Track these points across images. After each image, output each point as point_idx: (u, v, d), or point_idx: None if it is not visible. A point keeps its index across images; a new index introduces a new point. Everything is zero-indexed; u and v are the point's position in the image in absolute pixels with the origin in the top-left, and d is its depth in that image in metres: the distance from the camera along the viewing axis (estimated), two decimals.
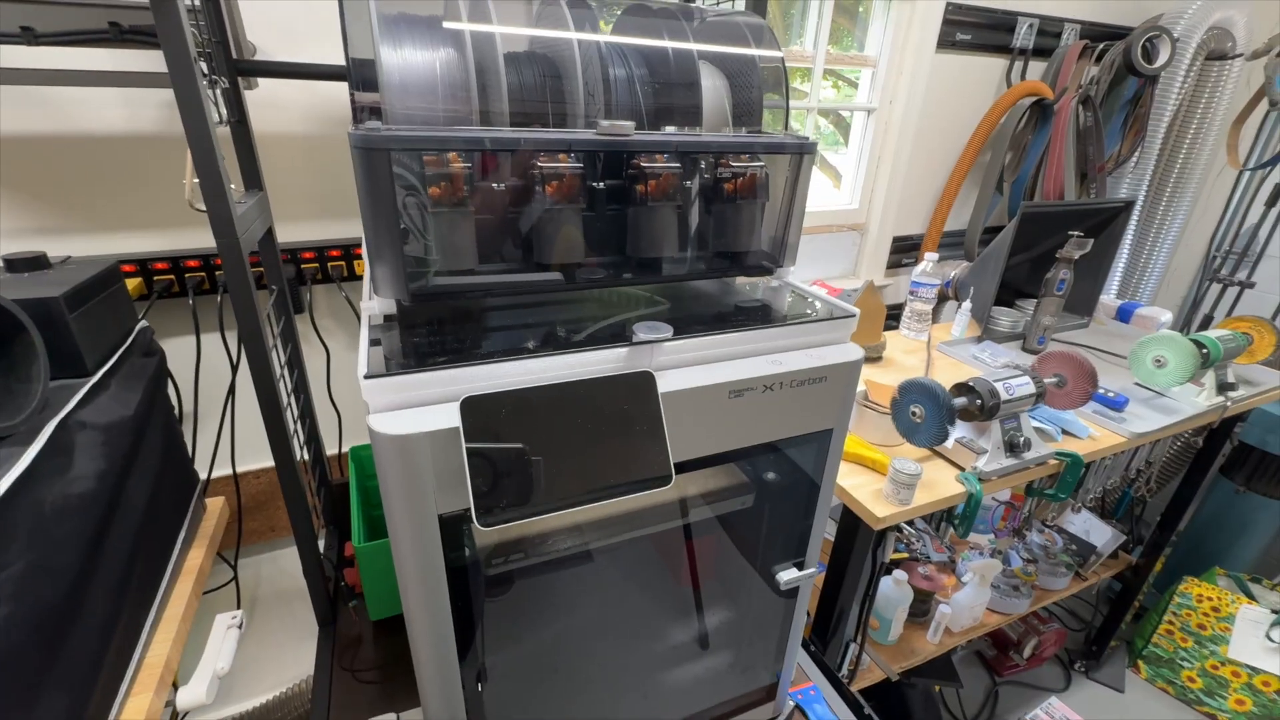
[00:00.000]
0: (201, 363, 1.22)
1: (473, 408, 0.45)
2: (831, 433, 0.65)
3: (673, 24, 0.69)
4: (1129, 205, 1.67)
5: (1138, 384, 1.43)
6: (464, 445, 0.43)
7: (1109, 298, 1.91)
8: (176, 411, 1.21)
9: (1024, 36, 1.90)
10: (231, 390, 1.24)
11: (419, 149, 0.50)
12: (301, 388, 1.13)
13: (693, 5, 0.76)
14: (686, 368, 0.57)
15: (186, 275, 1.15)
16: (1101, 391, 1.33)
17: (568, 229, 0.60)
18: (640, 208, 0.63)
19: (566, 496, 0.46)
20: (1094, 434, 1.27)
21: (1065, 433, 1.27)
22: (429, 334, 0.57)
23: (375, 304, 0.56)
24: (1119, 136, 2.00)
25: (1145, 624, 2.08)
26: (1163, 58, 1.83)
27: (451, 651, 0.57)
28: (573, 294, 0.71)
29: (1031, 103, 1.90)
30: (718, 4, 0.98)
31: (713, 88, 0.71)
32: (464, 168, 0.53)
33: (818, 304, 0.69)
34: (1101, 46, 1.94)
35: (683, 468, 0.56)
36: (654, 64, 0.68)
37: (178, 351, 1.19)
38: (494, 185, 0.57)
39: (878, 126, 1.91)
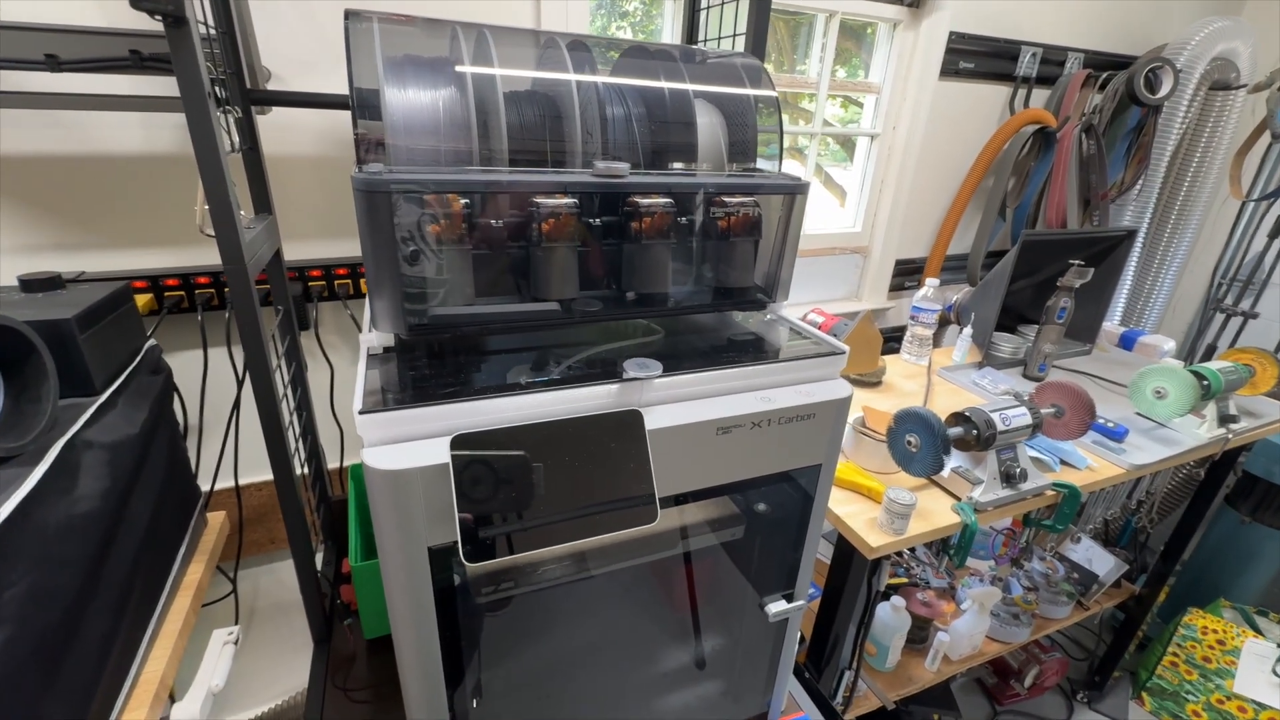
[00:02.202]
0: (208, 377, 1.24)
1: (462, 445, 0.46)
2: (820, 468, 0.66)
3: (670, 65, 0.71)
4: (1131, 234, 1.68)
5: (1139, 414, 1.43)
6: (453, 483, 0.45)
7: (1112, 325, 1.91)
8: (182, 425, 1.23)
9: (1027, 65, 1.92)
10: (236, 405, 1.26)
11: (419, 192, 0.51)
12: (304, 405, 1.14)
13: (692, 48, 0.78)
14: (675, 404, 0.58)
15: (196, 292, 1.18)
16: (1101, 421, 1.32)
17: (563, 265, 0.61)
18: (635, 244, 0.64)
19: (553, 534, 0.47)
20: (1092, 465, 1.26)
21: (1063, 463, 1.27)
22: (425, 367, 0.58)
23: (374, 337, 0.58)
24: (1122, 165, 2.01)
25: (1149, 655, 2.05)
26: (1166, 88, 1.85)
27: (439, 677, 0.58)
28: (568, 325, 0.72)
29: (1035, 130, 1.91)
30: (718, 44, 1.00)
31: (708, 125, 0.72)
32: (464, 207, 0.55)
33: (809, 339, 0.70)
34: (1105, 75, 1.96)
35: (670, 502, 0.57)
36: (651, 103, 0.70)
37: (186, 365, 1.22)
38: (492, 223, 0.59)
39: (881, 151, 1.93)
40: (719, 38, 1.01)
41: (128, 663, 0.76)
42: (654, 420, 0.54)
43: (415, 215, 0.54)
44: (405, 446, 0.48)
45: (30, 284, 0.81)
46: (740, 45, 0.93)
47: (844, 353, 0.66)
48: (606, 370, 0.59)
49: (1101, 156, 1.93)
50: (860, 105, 1.98)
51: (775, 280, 0.71)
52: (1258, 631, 1.87)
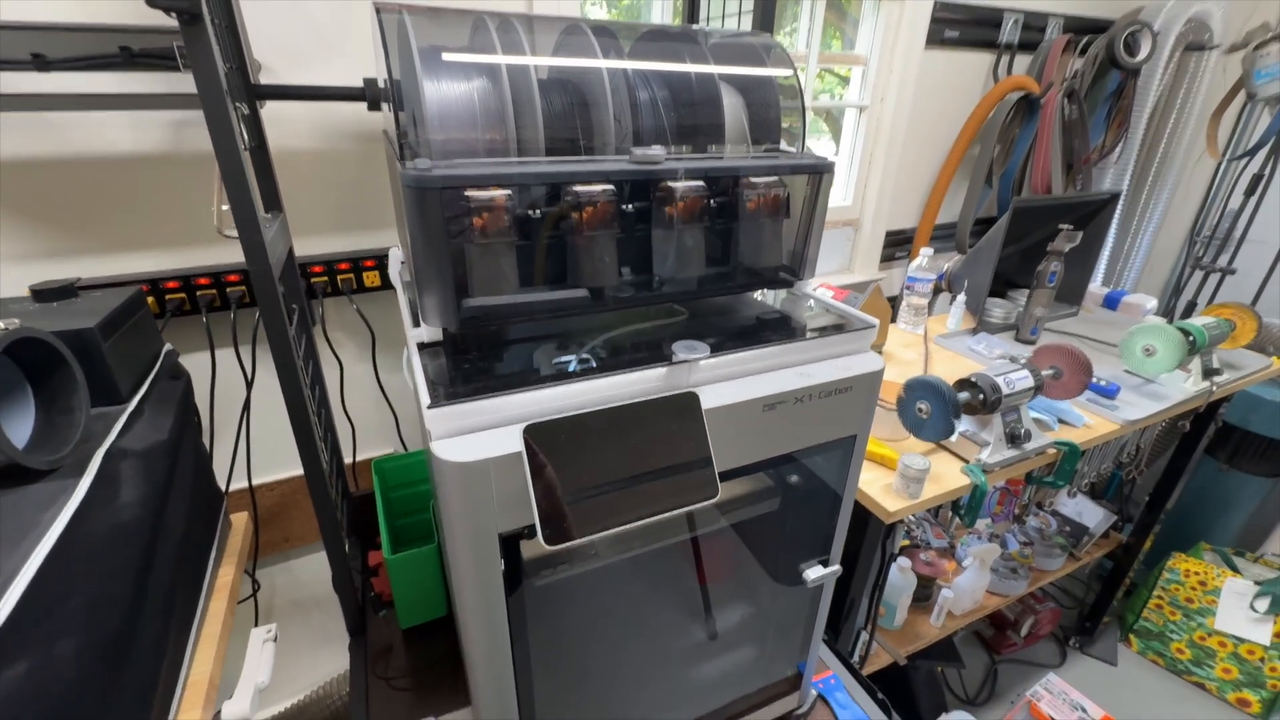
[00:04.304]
0: (216, 377, 1.22)
1: (534, 434, 0.47)
2: (855, 438, 0.68)
3: (692, 47, 0.71)
4: (1115, 197, 1.72)
5: (1128, 371, 1.49)
6: (528, 471, 0.46)
7: (1095, 286, 1.96)
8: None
9: (1009, 31, 1.94)
10: (246, 406, 1.25)
11: (470, 186, 0.52)
12: (323, 404, 1.14)
13: (707, 29, 0.79)
14: (723, 383, 0.59)
15: (198, 294, 1.16)
16: (1095, 380, 1.38)
17: (604, 250, 0.62)
18: (668, 228, 0.65)
19: (623, 514, 0.49)
20: (1089, 422, 1.32)
21: (1062, 422, 1.32)
22: (476, 359, 0.59)
23: (423, 331, 0.59)
24: (1103, 129, 2.06)
25: (1136, 599, 2.16)
26: (1144, 51, 1.88)
27: (506, 655, 0.60)
28: (607, 310, 0.73)
29: (1019, 97, 1.94)
30: (722, 22, 1.00)
31: (731, 106, 0.73)
32: (506, 199, 0.55)
33: (837, 315, 0.72)
34: (1085, 40, 1.99)
35: (721, 478, 0.59)
36: (675, 85, 0.70)
37: (190, 367, 1.20)
38: (531, 213, 0.59)
39: (869, 123, 1.95)
40: (723, 16, 1.01)
41: (178, 665, 0.77)
42: (706, 400, 0.56)
43: (461, 210, 0.54)
44: (473, 437, 0.49)
45: (43, 293, 0.79)
46: (745, 24, 0.94)
47: (875, 326, 0.68)
48: (652, 354, 0.61)
49: (1084, 121, 1.97)
50: (839, 76, 1.99)
51: (802, 258, 0.73)
52: (1236, 571, 1.98)
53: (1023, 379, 1.15)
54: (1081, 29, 2.03)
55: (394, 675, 0.97)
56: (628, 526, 0.48)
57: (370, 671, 0.96)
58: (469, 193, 0.53)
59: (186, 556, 0.84)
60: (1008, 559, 1.78)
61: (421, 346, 0.59)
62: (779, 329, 0.69)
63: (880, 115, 1.93)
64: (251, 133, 0.90)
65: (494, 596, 0.55)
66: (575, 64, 0.65)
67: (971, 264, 1.75)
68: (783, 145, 0.74)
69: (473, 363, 0.58)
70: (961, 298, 1.75)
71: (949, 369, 1.55)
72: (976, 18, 1.87)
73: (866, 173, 2.01)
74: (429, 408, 0.48)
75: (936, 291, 1.87)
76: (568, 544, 0.46)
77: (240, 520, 1.08)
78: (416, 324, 0.59)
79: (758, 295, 0.83)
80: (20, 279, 1.07)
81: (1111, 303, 1.91)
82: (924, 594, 1.67)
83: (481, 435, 0.50)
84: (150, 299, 1.13)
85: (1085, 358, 1.21)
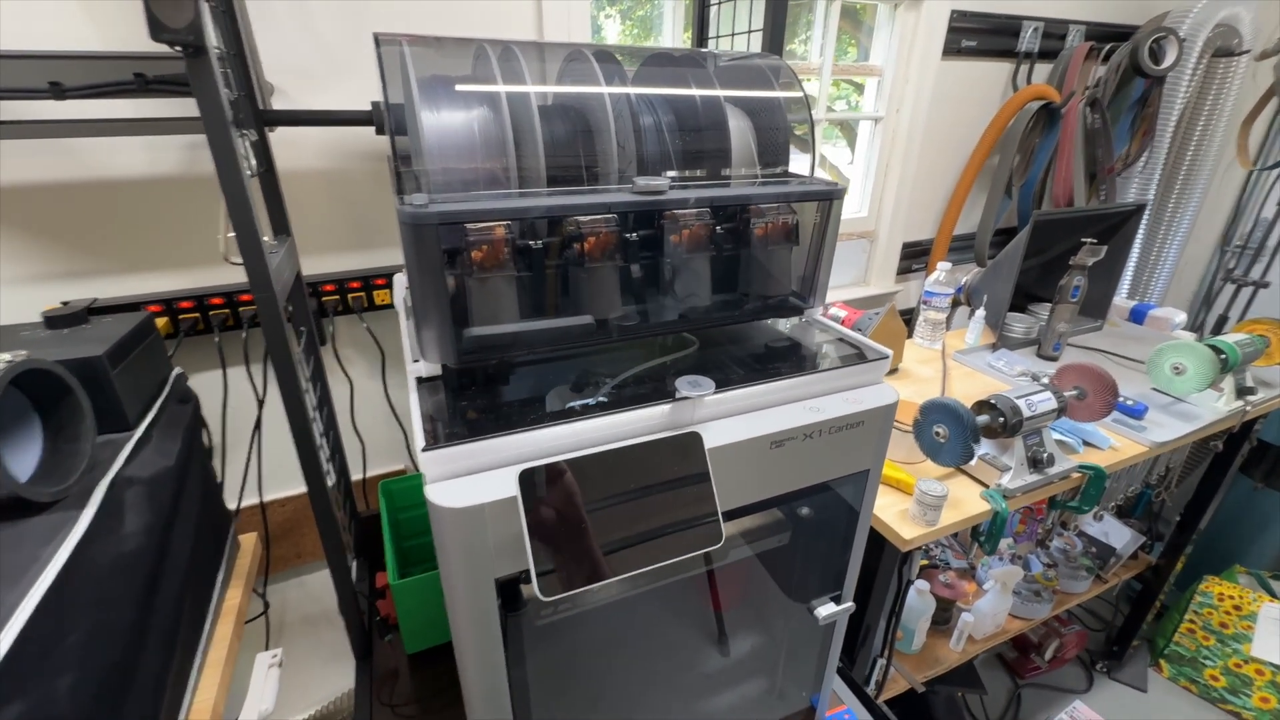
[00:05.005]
0: (228, 396, 1.23)
1: (529, 478, 0.46)
2: (868, 473, 0.66)
3: (696, 71, 0.70)
4: (1140, 208, 1.67)
5: (1155, 389, 1.44)
6: (523, 518, 0.44)
7: (1121, 299, 1.91)
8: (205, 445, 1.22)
9: (1029, 40, 1.90)
10: (257, 425, 1.26)
11: (467, 221, 0.51)
12: (330, 425, 1.14)
13: (713, 51, 0.77)
14: (728, 419, 0.58)
15: (211, 313, 1.17)
16: (1121, 399, 1.33)
17: (606, 281, 0.61)
18: (673, 256, 0.64)
19: (623, 562, 0.47)
20: (1115, 444, 1.27)
21: (1086, 444, 1.27)
22: (476, 395, 0.58)
23: (422, 366, 0.58)
24: (1127, 138, 2.00)
25: (1166, 623, 2.08)
26: (1170, 58, 1.83)
27: (504, 696, 0.58)
28: (611, 342, 0.71)
29: (1039, 106, 1.90)
30: (731, 41, 0.99)
31: (738, 129, 0.71)
32: (506, 230, 0.54)
33: (848, 344, 0.69)
34: (1108, 48, 1.94)
35: (726, 517, 0.57)
36: (681, 111, 0.69)
37: (202, 386, 1.21)
38: (532, 244, 0.58)
39: (885, 134, 1.92)
40: (732, 34, 1.00)
41: (180, 694, 0.76)
42: (709, 438, 0.54)
43: (460, 243, 0.53)
44: (468, 480, 0.48)
45: (55, 320, 0.80)
46: (754, 41, 0.92)
47: (887, 357, 0.65)
48: (655, 388, 0.59)
49: (1107, 130, 1.92)
50: (859, 88, 1.96)
51: (812, 285, 0.71)
52: (1273, 595, 1.90)
53: (1045, 401, 1.11)
54: (1104, 36, 1.98)
55: (399, 702, 0.96)
56: (626, 575, 0.47)
57: (375, 698, 0.95)
58: (467, 226, 0.52)
59: (192, 581, 0.84)
60: (1031, 581, 1.73)
61: (420, 381, 0.58)
62: (788, 359, 0.67)
63: (896, 126, 1.90)
64: (260, 158, 0.91)
65: (490, 639, 0.53)
66: (577, 91, 0.64)
67: (991, 278, 1.71)
68: (792, 168, 0.72)
69: (471, 399, 0.57)
70: (980, 312, 1.70)
71: (968, 387, 1.51)
72: (995, 26, 1.84)
73: (882, 184, 1.98)
74: (424, 450, 0.47)
75: (955, 305, 1.83)
76: (564, 594, 0.45)
77: (249, 541, 1.08)
78: (416, 359, 0.58)
79: (773, 321, 0.81)
80: (42, 299, 1.09)
81: (1138, 316, 1.85)
82: (943, 617, 1.63)
83: (478, 478, 0.48)
84: (165, 319, 1.14)
85: (1111, 379, 1.17)
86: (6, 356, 0.63)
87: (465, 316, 0.57)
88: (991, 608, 1.59)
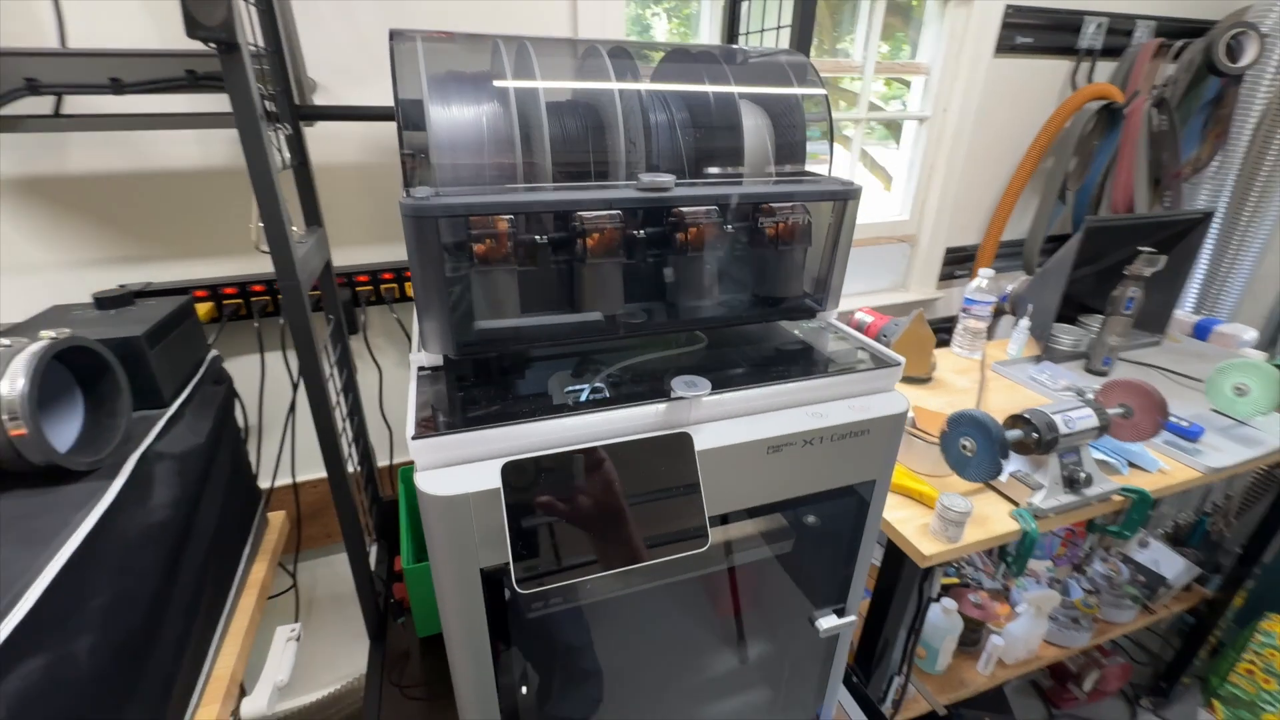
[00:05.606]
0: (266, 379, 1.29)
1: (513, 472, 0.46)
2: (874, 484, 0.64)
3: (713, 68, 0.69)
4: (1207, 216, 1.56)
5: (1215, 410, 1.34)
6: (504, 510, 0.45)
7: (1184, 312, 1.79)
8: (242, 426, 1.28)
9: (1091, 36, 1.80)
10: (292, 408, 1.31)
11: (468, 214, 0.51)
12: (356, 410, 1.18)
13: (735, 48, 0.76)
14: (724, 421, 0.57)
15: (252, 299, 1.22)
16: (1174, 420, 1.25)
17: (609, 278, 0.60)
18: (680, 255, 0.63)
19: (604, 559, 0.47)
20: (1164, 467, 1.19)
21: (1132, 465, 1.20)
22: (474, 386, 0.59)
23: (423, 357, 0.59)
24: (1198, 140, 1.87)
25: (1222, 661, 1.94)
26: (1249, 55, 1.70)
27: (491, 686, 0.59)
28: (615, 339, 0.71)
29: (1099, 106, 1.80)
30: (760, 38, 0.97)
31: (755, 127, 0.70)
32: (509, 225, 0.55)
33: (860, 350, 0.67)
34: (1179, 44, 1.82)
35: (718, 520, 0.56)
36: (694, 108, 0.68)
37: (244, 368, 1.27)
38: (536, 239, 0.59)
39: (930, 135, 1.85)
40: (762, 30, 0.98)
41: (200, 661, 0.80)
42: (703, 440, 0.53)
43: (463, 236, 0.54)
44: (458, 470, 0.49)
45: (103, 301, 0.85)
46: (785, 36, 0.90)
47: (899, 364, 0.63)
48: (654, 387, 0.58)
49: (1174, 132, 1.80)
50: (906, 84, 1.90)
51: (826, 287, 0.69)
52: None
53: (1085, 418, 1.05)
54: (1176, 32, 1.86)
55: (408, 684, 0.98)
56: (607, 574, 0.46)
57: (385, 678, 0.98)
58: (470, 219, 0.53)
59: (218, 554, 0.88)
60: (1069, 607, 1.64)
61: (422, 371, 0.59)
62: (795, 363, 0.65)
63: (943, 126, 1.82)
64: (294, 151, 0.94)
65: (476, 627, 0.54)
66: (587, 87, 0.64)
67: (1038, 286, 1.63)
68: (809, 167, 0.71)
69: (470, 391, 0.58)
70: (1025, 322, 1.63)
71: (1006, 400, 1.44)
72: (1053, 22, 1.75)
73: (926, 186, 1.91)
74: (412, 439, 0.47)
75: (999, 314, 1.75)
76: (541, 589, 0.45)
77: (277, 518, 1.13)
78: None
79: (787, 324, 0.79)
80: (102, 281, 1.16)
81: (1202, 332, 1.73)
82: (972, 638, 1.56)
83: (466, 469, 0.49)
84: (210, 304, 1.20)
85: (1160, 396, 1.10)
86: (51, 334, 0.67)
87: (468, 311, 0.58)
88: (1024, 632, 1.52)
